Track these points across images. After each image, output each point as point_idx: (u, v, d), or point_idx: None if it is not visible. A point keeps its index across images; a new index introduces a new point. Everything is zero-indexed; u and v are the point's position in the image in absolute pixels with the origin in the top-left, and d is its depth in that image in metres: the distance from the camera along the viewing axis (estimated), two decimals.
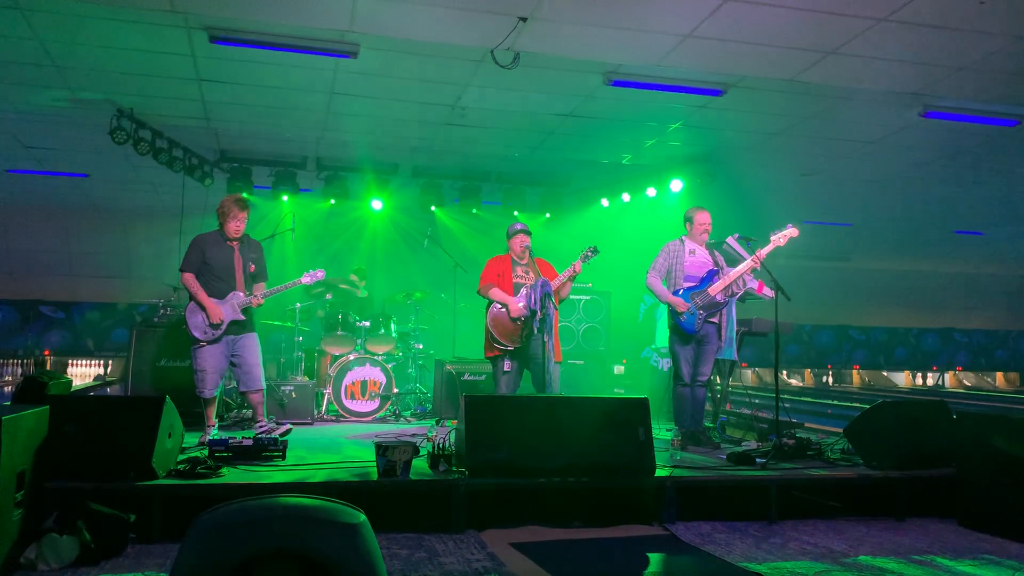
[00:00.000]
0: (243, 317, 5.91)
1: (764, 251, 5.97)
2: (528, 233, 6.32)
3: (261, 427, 5.93)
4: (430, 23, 5.92)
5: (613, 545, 4.25)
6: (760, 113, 8.21)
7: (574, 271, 5.99)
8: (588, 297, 9.66)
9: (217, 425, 6.11)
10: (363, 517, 2.16)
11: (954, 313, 18.61)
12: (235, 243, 6.00)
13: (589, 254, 5.98)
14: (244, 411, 7.46)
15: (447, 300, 9.88)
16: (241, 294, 5.92)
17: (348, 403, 8.00)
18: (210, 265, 5.88)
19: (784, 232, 5.99)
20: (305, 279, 6.28)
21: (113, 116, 8.15)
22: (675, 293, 6.15)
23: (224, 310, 5.83)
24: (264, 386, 6.09)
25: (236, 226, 5.95)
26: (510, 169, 10.90)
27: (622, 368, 11.10)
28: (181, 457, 4.72)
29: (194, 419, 6.99)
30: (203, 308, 5.80)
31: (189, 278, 5.87)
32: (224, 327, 5.84)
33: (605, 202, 11.55)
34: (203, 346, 5.85)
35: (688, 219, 6.37)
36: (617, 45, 6.33)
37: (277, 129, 9.10)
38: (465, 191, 11.05)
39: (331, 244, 12.01)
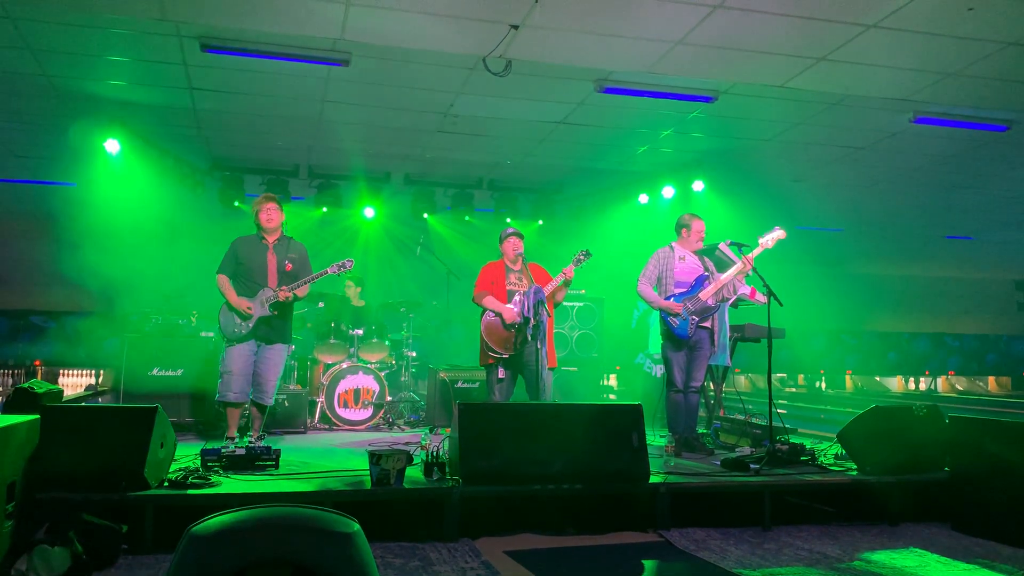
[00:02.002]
0: (270, 313, 5.81)
1: (752, 254, 5.99)
2: (521, 237, 6.30)
3: (250, 440, 5.88)
4: (422, 31, 5.93)
5: (607, 552, 4.24)
6: (751, 119, 8.24)
7: (566, 276, 5.99)
8: (582, 304, 9.65)
9: (236, 439, 5.90)
10: (357, 526, 2.15)
11: (945, 317, 18.66)
12: (271, 241, 5.93)
13: (581, 258, 5.98)
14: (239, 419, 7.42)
15: (440, 308, 9.86)
16: (270, 290, 5.81)
17: (341, 411, 7.97)
18: (244, 265, 5.84)
19: (772, 235, 6.01)
20: (332, 269, 6.03)
21: (104, 124, 8.13)
22: (666, 299, 6.15)
23: (253, 304, 5.77)
24: (271, 403, 6.01)
25: (266, 216, 5.88)
26: (503, 176, 10.92)
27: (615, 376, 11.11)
28: (174, 467, 4.69)
29: (186, 428, 6.98)
30: (232, 309, 5.77)
31: (222, 280, 5.84)
32: (254, 321, 5.76)
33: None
34: (232, 345, 5.79)
35: (685, 225, 6.35)
36: (608, 52, 6.35)
37: (269, 137, 9.10)
38: (457, 198, 11.06)
39: (323, 252, 11.93)
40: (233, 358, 5.80)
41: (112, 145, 8.31)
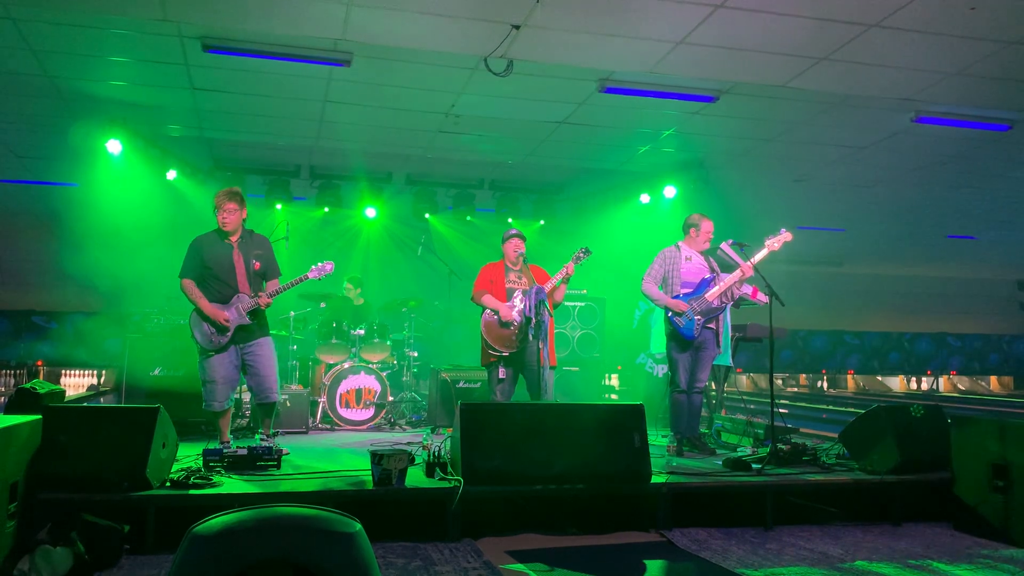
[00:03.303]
0: (250, 321, 5.56)
1: (759, 256, 5.97)
2: (523, 239, 6.30)
3: (262, 439, 5.81)
4: (423, 31, 5.93)
5: (609, 552, 4.24)
6: (752, 119, 8.23)
7: (567, 273, 5.98)
8: (583, 304, 9.65)
9: (231, 441, 5.75)
10: (358, 526, 2.14)
11: (947, 317, 18.65)
12: (234, 240, 5.64)
13: (581, 255, 5.98)
14: (239, 420, 7.43)
15: (441, 308, 9.86)
16: (246, 296, 5.56)
17: (343, 412, 7.98)
18: (210, 268, 5.55)
19: (779, 237, 5.99)
20: (312, 274, 5.81)
21: (106, 125, 8.13)
22: (671, 299, 6.14)
23: (229, 314, 5.50)
24: (278, 399, 5.79)
25: (222, 218, 5.58)
26: (504, 176, 10.93)
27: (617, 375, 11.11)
28: (175, 467, 4.70)
29: (188, 429, 6.98)
30: (204, 317, 5.51)
31: (188, 284, 5.57)
32: (231, 333, 5.52)
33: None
34: (210, 356, 5.55)
35: (694, 225, 6.30)
36: (610, 52, 6.35)
37: (270, 137, 9.10)
38: (459, 198, 11.06)
39: (325, 252, 11.94)
40: (214, 367, 5.56)
41: (114, 146, 8.31)
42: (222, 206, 5.61)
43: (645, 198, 10.63)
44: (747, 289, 6.67)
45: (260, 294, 5.60)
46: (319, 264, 5.84)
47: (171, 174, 9.36)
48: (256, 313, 5.64)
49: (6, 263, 13.44)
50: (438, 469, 4.69)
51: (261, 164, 10.27)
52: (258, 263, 5.67)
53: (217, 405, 5.63)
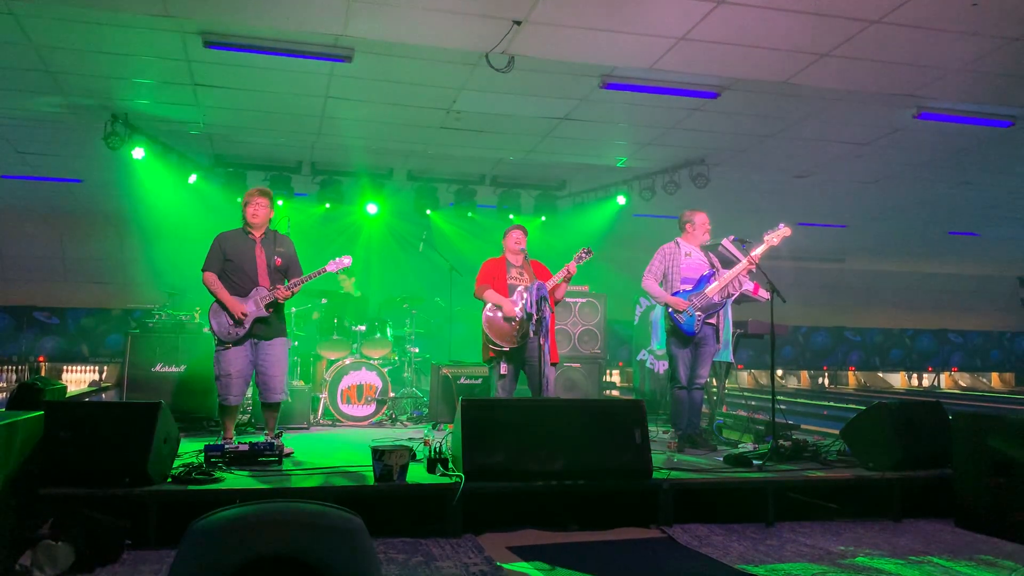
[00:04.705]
0: (267, 313, 5.57)
1: (759, 251, 5.97)
2: (524, 231, 6.30)
3: (267, 439, 5.80)
4: (424, 27, 5.92)
5: (610, 548, 4.24)
6: (754, 115, 8.22)
7: (568, 272, 5.98)
8: (584, 300, 9.64)
9: (235, 438, 5.73)
10: (360, 522, 2.15)
11: (949, 314, 18.65)
12: (257, 236, 5.70)
13: (583, 255, 5.98)
14: (240, 415, 7.42)
15: (443, 304, 9.87)
16: (264, 289, 5.59)
17: (344, 408, 7.98)
18: (231, 261, 5.59)
19: (777, 232, 6.00)
20: (331, 267, 5.85)
21: (107, 121, 8.14)
22: (672, 295, 6.15)
23: (248, 307, 5.53)
24: (281, 400, 5.76)
25: (252, 211, 5.64)
26: (505, 172, 10.92)
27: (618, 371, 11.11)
28: (177, 463, 4.70)
29: (190, 424, 7.00)
30: (224, 307, 5.53)
31: (209, 278, 5.58)
32: (248, 325, 5.53)
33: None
34: (227, 348, 5.55)
35: (688, 220, 6.32)
36: (611, 48, 6.34)
37: (272, 133, 9.09)
38: (460, 195, 11.06)
39: (326, 248, 11.96)
40: (230, 360, 5.57)
41: (115, 142, 8.31)
42: (251, 199, 5.70)
43: (647, 194, 10.62)
44: (749, 286, 6.67)
45: (278, 286, 5.63)
46: (337, 258, 5.91)
47: (172, 170, 9.35)
48: (274, 306, 5.66)
49: (8, 259, 13.46)
50: (439, 465, 4.69)
51: (262, 160, 10.28)
52: (280, 260, 5.72)
53: (233, 399, 5.64)
